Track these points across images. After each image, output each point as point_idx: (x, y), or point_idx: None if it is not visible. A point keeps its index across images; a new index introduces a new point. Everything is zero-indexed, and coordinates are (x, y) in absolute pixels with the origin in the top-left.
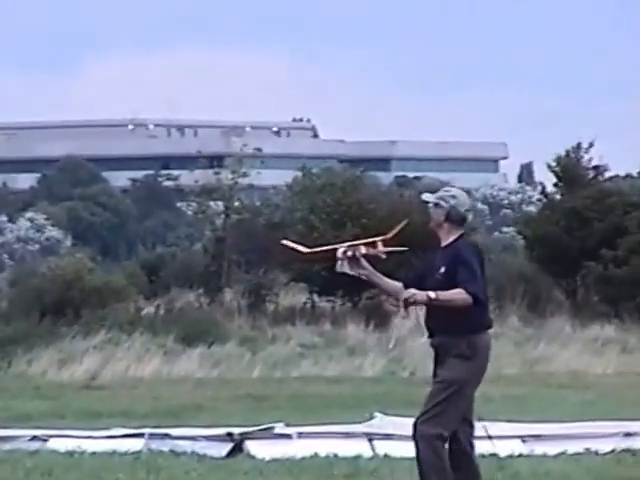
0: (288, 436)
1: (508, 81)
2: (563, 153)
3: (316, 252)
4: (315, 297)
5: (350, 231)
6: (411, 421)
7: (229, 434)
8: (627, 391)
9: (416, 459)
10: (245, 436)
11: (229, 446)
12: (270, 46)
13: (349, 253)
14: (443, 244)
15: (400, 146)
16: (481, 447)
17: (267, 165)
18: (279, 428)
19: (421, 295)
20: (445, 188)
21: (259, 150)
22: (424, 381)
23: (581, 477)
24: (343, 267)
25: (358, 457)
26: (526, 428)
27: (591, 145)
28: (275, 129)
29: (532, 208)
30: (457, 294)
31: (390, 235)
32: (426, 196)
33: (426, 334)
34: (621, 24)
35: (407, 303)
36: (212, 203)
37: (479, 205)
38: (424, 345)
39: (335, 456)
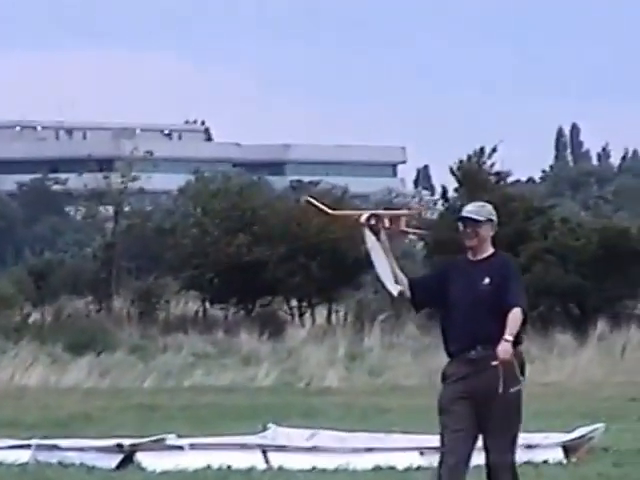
0: (180, 447)
1: (406, 84)
2: (465, 157)
3: (340, 215)
4: (207, 305)
5: (243, 238)
6: (306, 432)
7: (119, 445)
8: (528, 402)
9: None
10: (136, 447)
11: (119, 458)
12: (161, 47)
13: (372, 221)
14: (479, 257)
15: (295, 150)
16: (380, 460)
17: (158, 169)
18: (171, 439)
19: (509, 345)
20: (479, 203)
21: (150, 153)
22: (319, 391)
23: None
24: (370, 238)
25: (251, 469)
26: (424, 440)
27: (494, 150)
28: (167, 131)
29: (430, 214)
30: (517, 318)
31: (417, 212)
32: (475, 214)
33: (455, 347)
34: (526, 20)
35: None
36: (102, 208)
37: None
38: (319, 354)
39: (228, 468)
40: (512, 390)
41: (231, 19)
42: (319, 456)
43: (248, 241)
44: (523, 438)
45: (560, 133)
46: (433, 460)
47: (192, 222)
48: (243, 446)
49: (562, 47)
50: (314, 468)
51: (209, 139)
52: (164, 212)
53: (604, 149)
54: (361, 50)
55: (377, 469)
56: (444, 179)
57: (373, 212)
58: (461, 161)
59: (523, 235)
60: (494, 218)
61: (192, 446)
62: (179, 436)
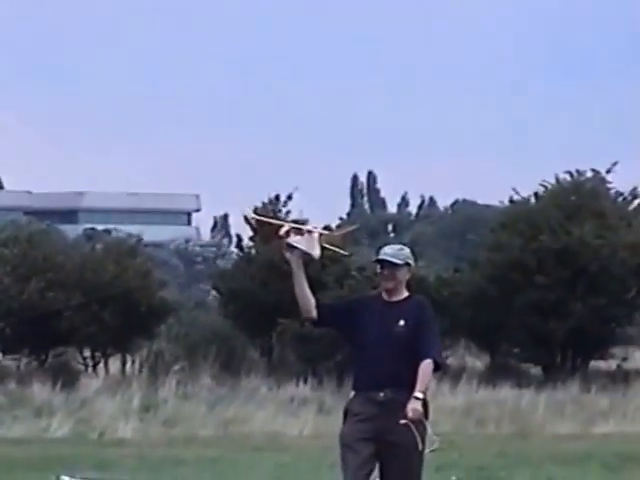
0: None
1: (199, 130)
2: (260, 205)
3: (262, 221)
4: (0, 355)
5: (36, 285)
6: None
7: None
8: (324, 454)
9: None
10: None
11: None
12: None
13: (291, 234)
14: (394, 299)
15: (88, 197)
16: None
17: None
18: None
19: (419, 403)
20: (397, 246)
21: None
22: (113, 442)
23: None
24: (298, 243)
25: None
26: None
27: (290, 197)
28: None
29: (228, 263)
30: (428, 372)
31: (336, 233)
32: (393, 257)
33: (362, 384)
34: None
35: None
36: None
37: (173, 260)
38: (113, 405)
39: None
40: (429, 450)
41: (31, 62)
42: None
43: (40, 289)
44: None
45: (355, 181)
46: None
47: None
48: None
49: (353, 99)
50: None
51: (0, 187)
52: None
53: (403, 197)
54: (151, 94)
55: None
56: (243, 228)
57: (294, 225)
58: (256, 209)
59: (318, 284)
60: (411, 261)
61: None
62: None
